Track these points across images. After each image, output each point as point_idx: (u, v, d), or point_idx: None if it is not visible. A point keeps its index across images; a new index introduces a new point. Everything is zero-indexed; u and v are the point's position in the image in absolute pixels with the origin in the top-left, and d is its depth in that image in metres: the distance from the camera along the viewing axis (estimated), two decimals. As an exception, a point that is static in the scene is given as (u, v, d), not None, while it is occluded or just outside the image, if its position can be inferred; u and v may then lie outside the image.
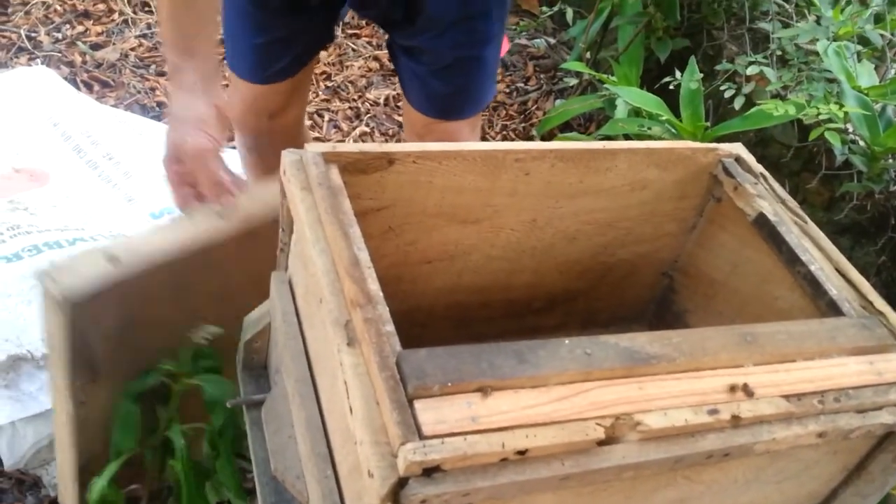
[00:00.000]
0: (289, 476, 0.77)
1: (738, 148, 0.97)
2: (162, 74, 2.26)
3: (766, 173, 0.95)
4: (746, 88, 1.75)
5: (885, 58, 1.83)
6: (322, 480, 0.71)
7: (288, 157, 0.80)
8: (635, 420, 0.62)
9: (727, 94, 1.77)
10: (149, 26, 2.45)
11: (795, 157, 1.81)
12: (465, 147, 0.84)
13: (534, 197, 0.91)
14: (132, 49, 2.35)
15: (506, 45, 2.48)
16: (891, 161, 1.57)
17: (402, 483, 0.56)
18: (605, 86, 1.96)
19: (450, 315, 1.01)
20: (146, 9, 2.55)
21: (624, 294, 1.08)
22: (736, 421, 0.64)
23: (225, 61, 1.34)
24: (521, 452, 0.58)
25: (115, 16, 2.47)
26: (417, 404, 0.58)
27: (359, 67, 2.54)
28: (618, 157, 0.91)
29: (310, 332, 0.81)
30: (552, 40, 2.76)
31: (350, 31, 2.68)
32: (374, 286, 0.67)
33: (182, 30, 0.99)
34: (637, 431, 0.61)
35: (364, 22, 2.68)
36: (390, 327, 0.64)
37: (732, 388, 0.66)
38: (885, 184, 1.55)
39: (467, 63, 1.22)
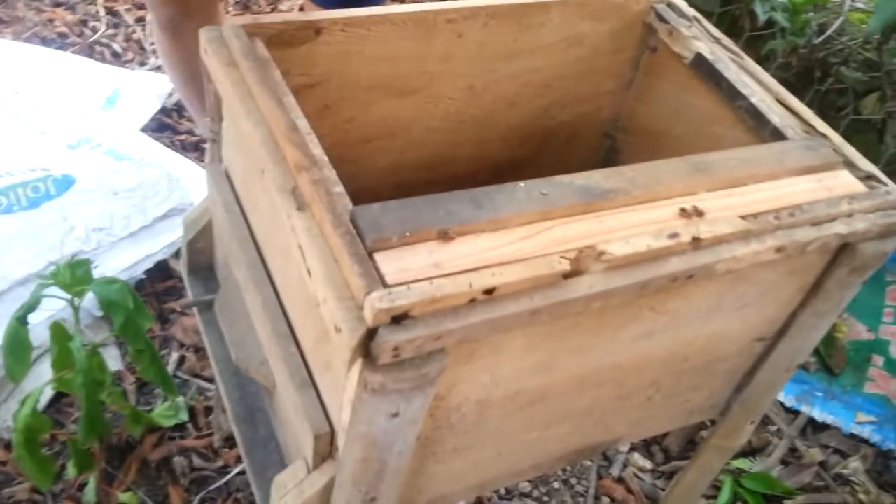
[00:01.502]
0: (252, 363, 0.75)
1: (670, -7, 0.96)
2: (59, 5, 2.13)
3: (700, 16, 0.94)
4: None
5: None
6: (287, 358, 0.70)
7: (206, 34, 0.75)
8: (598, 250, 0.61)
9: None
10: (37, -44, 2.30)
11: (719, 23, 1.80)
12: (393, 10, 0.81)
13: (469, 61, 0.89)
14: (23, -19, 2.20)
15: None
16: (812, 14, 1.57)
17: (370, 334, 0.54)
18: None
19: (396, 195, 0.98)
20: (32, -61, 2.39)
21: (568, 160, 1.07)
22: (697, 243, 0.64)
23: None
24: (489, 291, 0.57)
25: (-1, -52, 2.31)
26: (377, 256, 0.57)
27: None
28: (551, 10, 0.88)
29: (254, 217, 0.78)
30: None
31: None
32: (317, 150, 0.65)
33: None
34: (601, 261, 0.61)
35: None
36: (339, 188, 0.62)
37: (688, 212, 0.66)
38: (808, 37, 1.56)
39: None
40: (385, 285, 0.55)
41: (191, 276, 0.92)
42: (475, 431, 0.72)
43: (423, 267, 0.57)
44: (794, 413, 1.47)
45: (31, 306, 0.98)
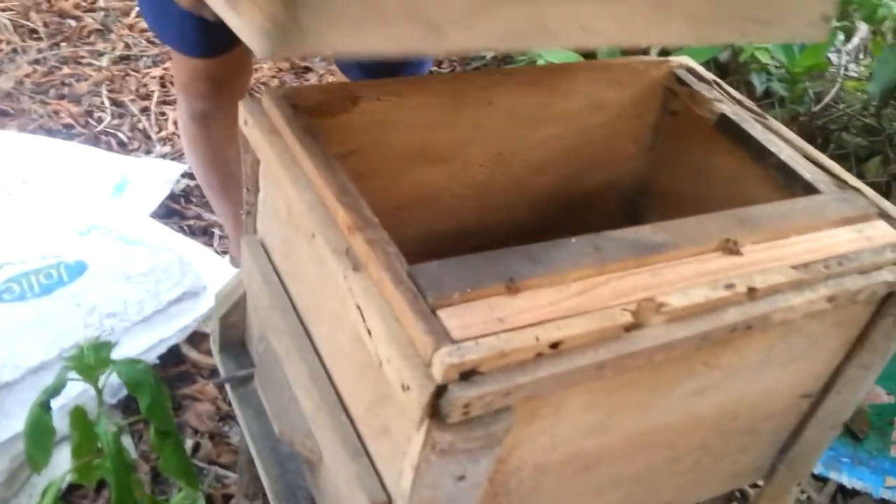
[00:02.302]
0: (296, 436, 0.73)
1: (687, 60, 0.98)
2: (63, 97, 2.16)
3: (719, 80, 0.96)
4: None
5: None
6: (337, 427, 0.68)
7: (246, 105, 0.76)
8: (658, 302, 0.61)
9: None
10: (39, 51, 2.34)
11: (716, 96, 1.85)
12: (427, 78, 0.82)
13: (498, 128, 0.90)
14: (26, 76, 2.23)
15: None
16: (808, 83, 1.62)
17: (439, 392, 0.53)
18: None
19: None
20: (34, 36, 2.44)
21: (594, 225, 1.07)
22: (752, 293, 0.64)
23: (159, 37, 1.26)
24: (555, 345, 0.56)
25: (3, 45, 2.35)
26: (440, 313, 0.56)
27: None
28: (578, 76, 0.90)
29: (295, 286, 0.77)
30: None
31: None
32: (367, 212, 0.64)
33: None
34: (661, 313, 0.60)
35: None
36: (393, 248, 0.61)
37: (740, 263, 0.66)
38: (808, 105, 1.60)
39: None
40: (452, 341, 0.54)
41: (222, 353, 0.91)
42: (531, 500, 0.69)
43: (487, 322, 0.56)
44: (822, 480, 1.44)
45: (56, 390, 0.96)
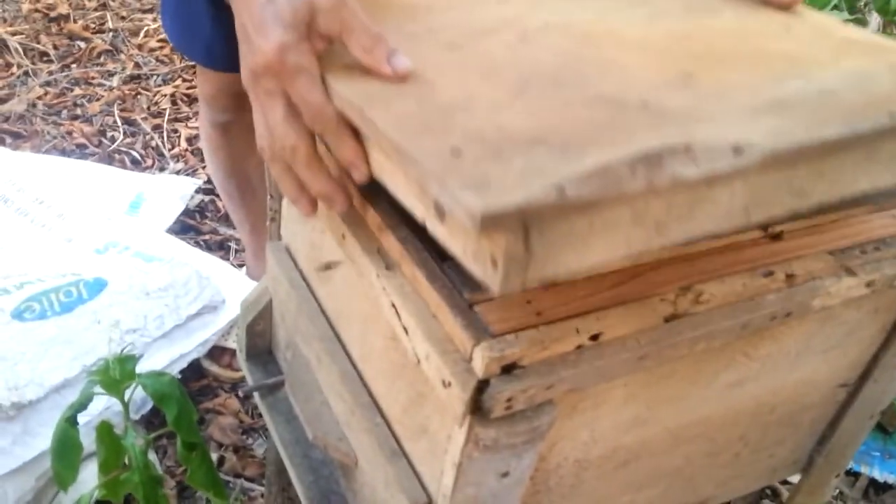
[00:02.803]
0: (330, 440, 0.72)
1: None
2: (76, 118, 2.17)
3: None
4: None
5: None
6: (373, 430, 0.67)
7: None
8: (696, 291, 0.60)
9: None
10: (50, 73, 2.36)
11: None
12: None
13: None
14: (39, 98, 2.25)
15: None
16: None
17: (481, 387, 0.52)
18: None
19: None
20: (45, 59, 2.45)
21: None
22: (791, 280, 0.63)
23: (184, 52, 1.27)
24: (595, 337, 0.55)
25: (14, 69, 2.37)
26: (478, 308, 0.55)
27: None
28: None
29: (323, 290, 0.77)
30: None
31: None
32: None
33: None
34: (700, 302, 0.59)
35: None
36: (421, 246, 0.61)
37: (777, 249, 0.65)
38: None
39: None
40: (492, 335, 0.53)
41: (249, 361, 0.90)
42: (571, 496, 0.68)
43: (525, 315, 0.55)
44: (853, 475, 1.43)
45: (83, 404, 0.96)
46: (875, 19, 1.88)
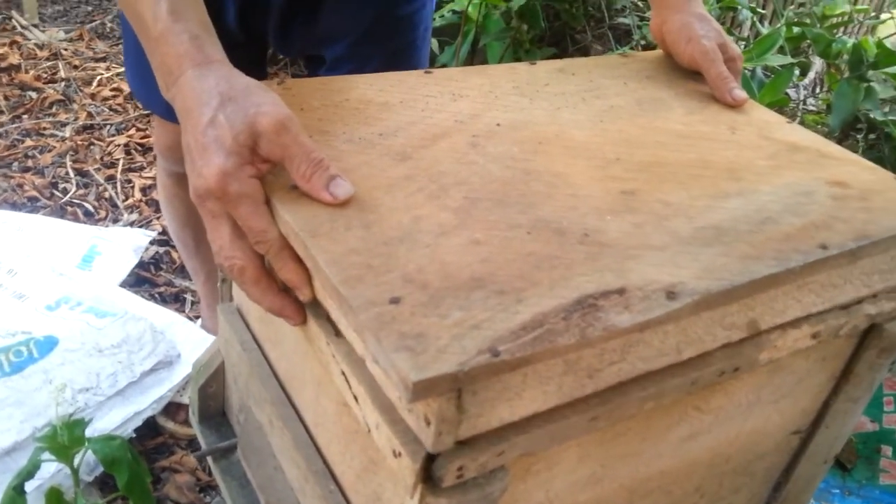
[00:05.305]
0: (284, 508, 0.71)
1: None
2: (28, 170, 2.14)
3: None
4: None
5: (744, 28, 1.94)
6: (327, 497, 0.66)
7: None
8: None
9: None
10: (1, 125, 2.32)
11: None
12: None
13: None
14: (-12, 150, 2.21)
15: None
16: (769, 119, 1.64)
17: (431, 456, 0.52)
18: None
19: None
20: (-8, 109, 2.42)
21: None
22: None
23: (144, 103, 1.27)
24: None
25: (-37, 121, 2.33)
26: (428, 375, 0.55)
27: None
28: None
29: (275, 353, 0.76)
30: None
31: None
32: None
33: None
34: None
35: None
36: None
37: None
38: (770, 140, 1.63)
39: None
40: (442, 403, 0.53)
41: (202, 424, 0.88)
42: (529, 557, 0.68)
43: (476, 381, 0.55)
44: (814, 513, 1.43)
45: (30, 472, 0.93)
46: (818, 62, 1.94)
